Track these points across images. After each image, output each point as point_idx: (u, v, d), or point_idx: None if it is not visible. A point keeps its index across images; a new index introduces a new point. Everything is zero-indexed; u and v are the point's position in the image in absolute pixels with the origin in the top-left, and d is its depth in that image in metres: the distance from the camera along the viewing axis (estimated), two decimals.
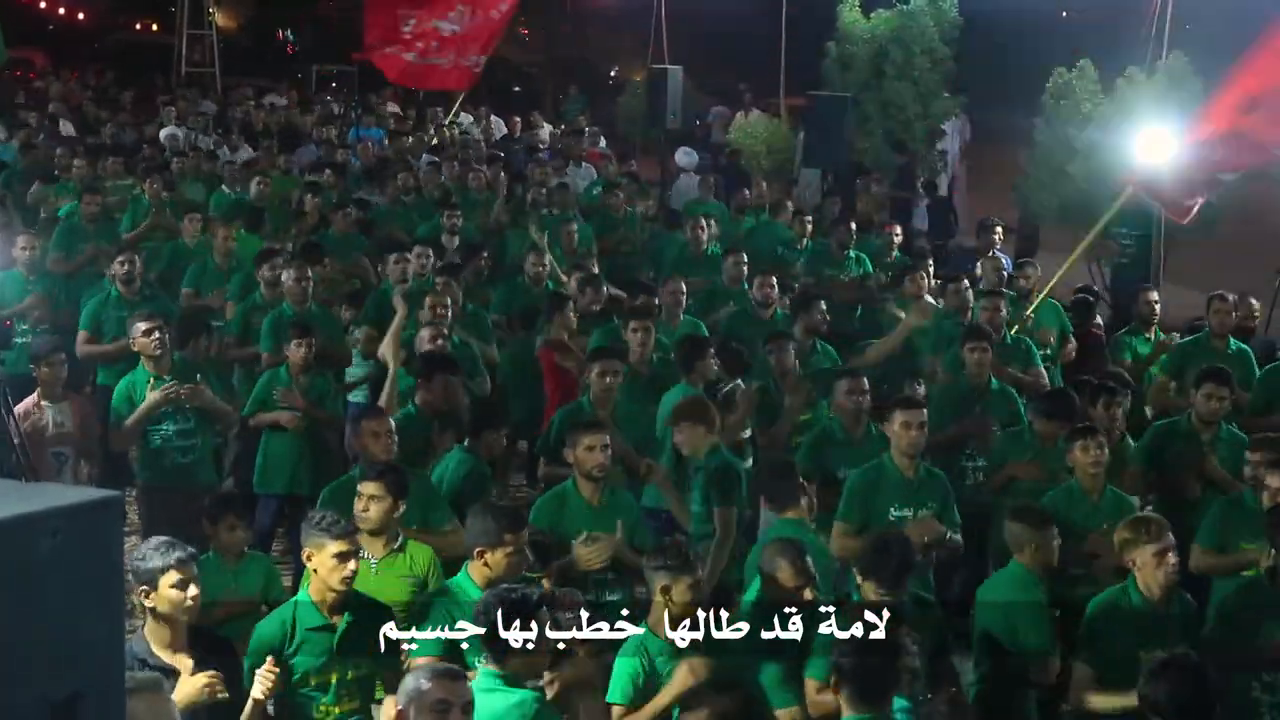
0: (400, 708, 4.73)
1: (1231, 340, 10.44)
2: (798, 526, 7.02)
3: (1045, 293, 11.39)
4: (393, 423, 7.72)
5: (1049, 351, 11.17)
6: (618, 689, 5.77)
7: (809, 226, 14.09)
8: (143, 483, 9.03)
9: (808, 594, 6.11)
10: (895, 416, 7.83)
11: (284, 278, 10.58)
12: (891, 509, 7.64)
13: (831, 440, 8.51)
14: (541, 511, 7.32)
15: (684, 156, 19.22)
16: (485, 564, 5.99)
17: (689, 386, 8.88)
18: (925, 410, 7.93)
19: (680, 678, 5.73)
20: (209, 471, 9.07)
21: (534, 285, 11.67)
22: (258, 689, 5.39)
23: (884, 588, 6.19)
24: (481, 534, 6.06)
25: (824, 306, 10.19)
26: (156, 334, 8.81)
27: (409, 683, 4.77)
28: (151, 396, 8.71)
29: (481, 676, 5.24)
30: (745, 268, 11.97)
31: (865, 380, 8.68)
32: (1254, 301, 11.64)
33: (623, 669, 5.77)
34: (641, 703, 5.76)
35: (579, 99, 27.58)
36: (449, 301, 10.05)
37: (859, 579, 6.32)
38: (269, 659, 5.47)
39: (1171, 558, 6.48)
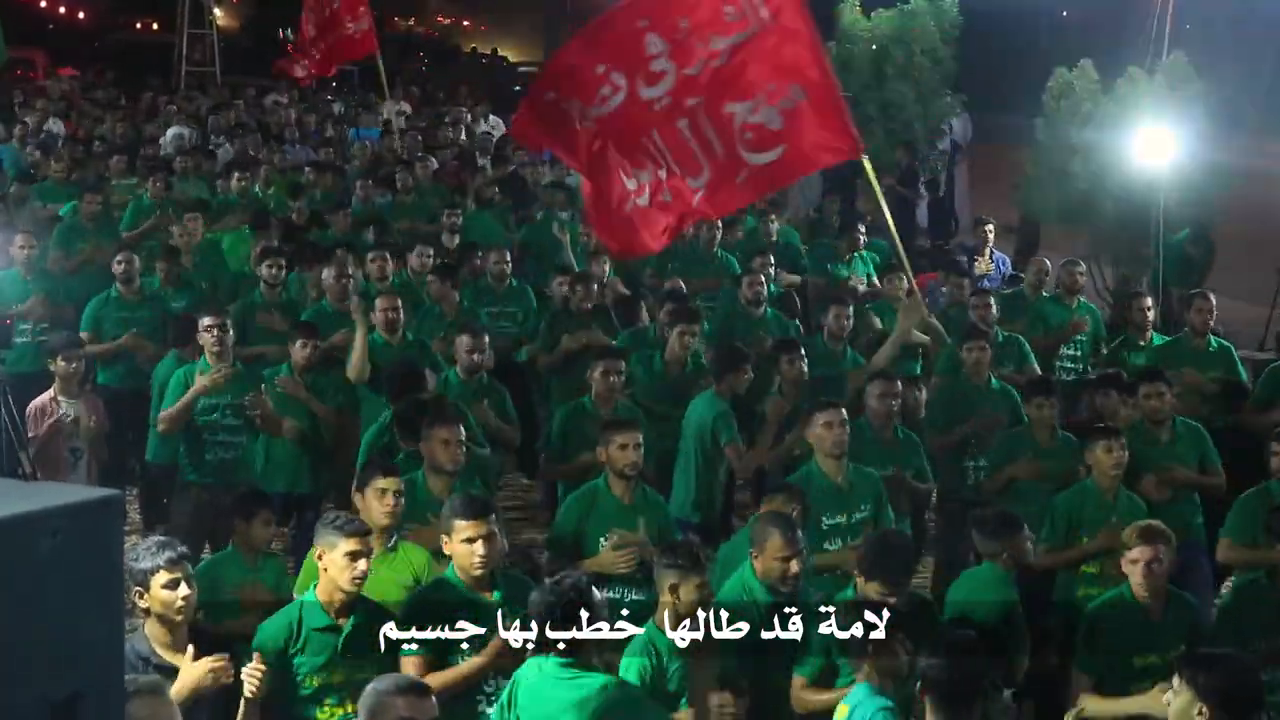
0: None
1: (1212, 338, 10.42)
2: None
3: None
4: (464, 432, 7.47)
5: (1079, 352, 11.15)
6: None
7: (775, 224, 14.08)
8: (184, 480, 9.07)
9: (794, 566, 6.17)
10: (816, 418, 7.71)
11: (325, 276, 10.67)
12: (824, 517, 7.53)
13: (861, 441, 8.49)
14: (571, 509, 7.34)
15: None
16: (449, 554, 5.97)
17: (717, 396, 8.89)
18: (844, 410, 7.79)
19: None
20: (250, 472, 9.07)
21: (497, 284, 11.66)
22: (247, 688, 5.35)
23: (887, 588, 6.18)
24: (444, 523, 6.02)
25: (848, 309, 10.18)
26: (217, 331, 8.91)
27: (369, 699, 4.58)
28: (198, 381, 8.78)
29: (551, 668, 5.23)
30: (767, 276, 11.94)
31: (898, 383, 8.68)
32: None
33: (631, 667, 5.77)
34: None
35: None
36: (399, 305, 9.98)
37: (860, 580, 6.32)
38: (256, 655, 5.43)
39: (1155, 567, 6.41)
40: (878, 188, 9.46)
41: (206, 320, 9.04)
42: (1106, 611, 6.59)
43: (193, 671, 5.25)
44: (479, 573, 5.87)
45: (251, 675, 5.35)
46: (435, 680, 5.44)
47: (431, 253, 11.98)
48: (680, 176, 8.67)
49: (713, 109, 8.63)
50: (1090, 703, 6.34)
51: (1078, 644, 6.58)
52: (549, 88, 8.91)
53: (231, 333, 9.12)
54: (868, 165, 9.14)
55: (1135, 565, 6.43)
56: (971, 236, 14.86)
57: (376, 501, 6.55)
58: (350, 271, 10.76)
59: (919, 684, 5.15)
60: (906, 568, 6.36)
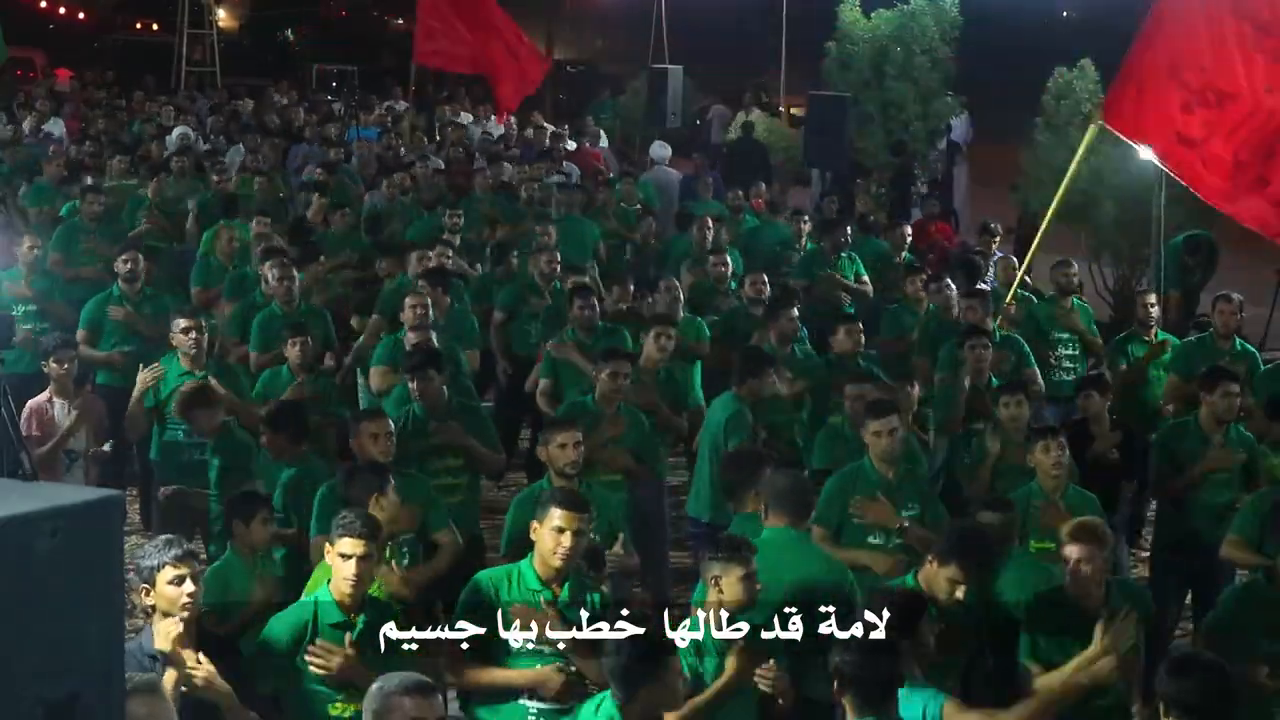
0: None
1: (1237, 340, 10.43)
2: (757, 522, 6.92)
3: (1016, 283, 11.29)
4: (392, 424, 7.67)
5: (1075, 351, 11.17)
6: None
7: (806, 226, 14.10)
8: (158, 480, 9.10)
9: None
10: (867, 425, 7.75)
11: (269, 277, 10.59)
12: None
13: (843, 439, 8.50)
14: (518, 512, 7.27)
15: (659, 149, 19.16)
16: (533, 539, 6.00)
17: (735, 398, 8.86)
18: (896, 416, 7.78)
19: (730, 670, 5.72)
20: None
21: (545, 284, 11.63)
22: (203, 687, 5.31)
23: (960, 574, 6.14)
24: (537, 510, 6.08)
25: (794, 313, 10.15)
26: (194, 334, 8.95)
27: (375, 699, 4.56)
28: (140, 377, 8.82)
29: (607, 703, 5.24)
30: (728, 267, 12.08)
31: (871, 386, 8.68)
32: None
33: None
34: (693, 692, 5.74)
35: (610, 103, 27.31)
36: (429, 302, 10.04)
37: (932, 564, 6.26)
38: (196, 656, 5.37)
39: (1083, 567, 6.23)
40: None
41: (181, 323, 9.05)
42: (1043, 602, 6.44)
43: (198, 674, 5.27)
44: (559, 564, 5.91)
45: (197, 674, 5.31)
46: (478, 677, 5.57)
47: (432, 255, 11.99)
48: None
49: None
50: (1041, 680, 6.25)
51: (1022, 634, 6.42)
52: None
53: (207, 335, 9.13)
54: None
55: (1066, 563, 6.28)
56: (972, 238, 14.86)
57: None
58: (295, 273, 10.69)
59: (834, 682, 5.11)
60: (986, 560, 6.32)
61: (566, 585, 5.95)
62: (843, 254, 13.21)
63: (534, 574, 5.96)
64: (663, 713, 5.26)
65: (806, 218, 14.30)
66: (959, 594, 6.17)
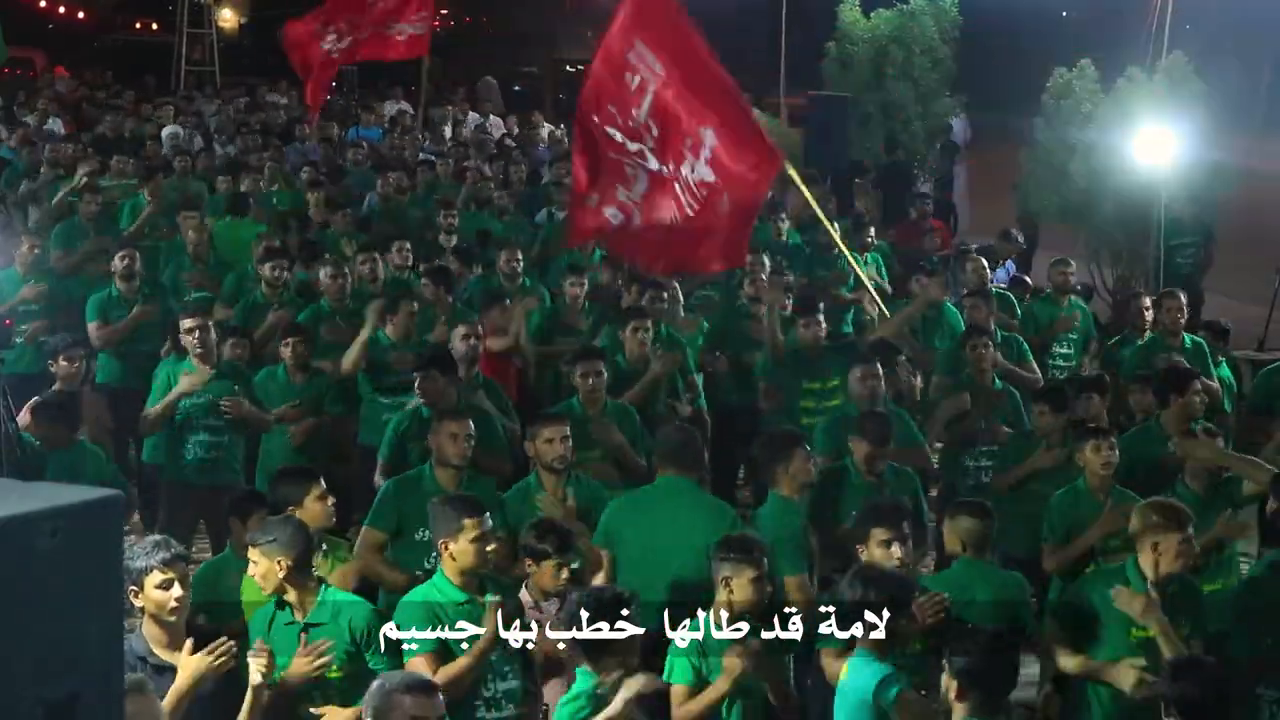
0: None
1: (1186, 336, 10.47)
2: (784, 504, 7.06)
3: None
4: (472, 426, 7.47)
5: (1071, 350, 11.20)
6: (680, 673, 5.76)
7: (785, 224, 14.07)
8: (165, 479, 9.09)
9: None
10: (854, 441, 7.83)
11: (321, 276, 10.67)
12: (854, 511, 7.46)
13: (848, 424, 8.51)
14: (510, 506, 7.28)
15: None
16: (451, 556, 5.89)
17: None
18: (881, 438, 7.79)
19: (730, 668, 5.72)
20: (233, 472, 9.07)
21: (508, 282, 11.52)
22: (255, 674, 5.32)
23: (888, 532, 6.27)
24: (440, 526, 5.97)
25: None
26: (197, 333, 8.93)
27: (376, 696, 4.58)
28: (181, 382, 8.81)
29: (580, 677, 5.32)
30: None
31: (878, 366, 8.69)
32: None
33: (677, 666, 5.77)
34: (700, 689, 5.77)
35: None
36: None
37: (860, 548, 6.38)
38: (259, 641, 5.44)
39: (1195, 546, 6.28)
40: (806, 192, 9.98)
41: (188, 322, 9.04)
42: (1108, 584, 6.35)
43: (191, 666, 5.22)
44: (485, 569, 5.92)
45: (258, 658, 5.33)
46: (441, 675, 5.47)
47: (410, 247, 11.99)
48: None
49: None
50: (1065, 660, 6.28)
51: (1067, 611, 6.48)
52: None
53: (214, 333, 9.11)
54: (792, 172, 9.59)
55: (1170, 548, 6.12)
56: (970, 238, 14.85)
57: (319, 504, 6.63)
58: (347, 271, 10.75)
59: (956, 683, 5.07)
60: (898, 511, 6.48)
61: (489, 589, 5.89)
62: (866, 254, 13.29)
63: (452, 586, 5.87)
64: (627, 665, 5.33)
65: (784, 216, 14.25)
66: (896, 551, 6.25)
